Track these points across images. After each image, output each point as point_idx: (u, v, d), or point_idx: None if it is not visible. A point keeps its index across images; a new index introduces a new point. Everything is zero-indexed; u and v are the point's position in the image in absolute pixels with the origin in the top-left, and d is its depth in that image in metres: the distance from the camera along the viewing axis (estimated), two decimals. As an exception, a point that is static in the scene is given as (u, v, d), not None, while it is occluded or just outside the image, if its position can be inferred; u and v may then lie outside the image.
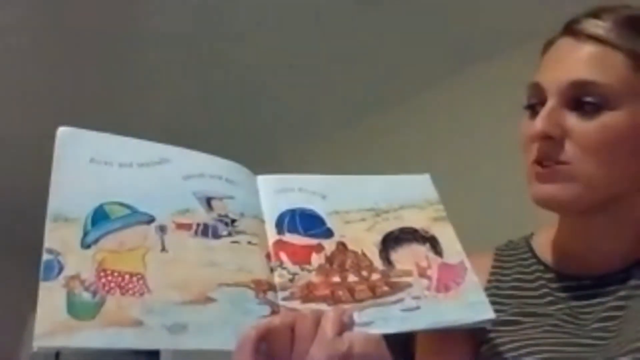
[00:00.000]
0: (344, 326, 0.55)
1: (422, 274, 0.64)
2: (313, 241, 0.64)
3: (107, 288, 0.52)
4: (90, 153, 0.58)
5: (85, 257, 0.52)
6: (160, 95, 2.38)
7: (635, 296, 0.64)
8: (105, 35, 2.10)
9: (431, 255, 0.66)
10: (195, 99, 2.44)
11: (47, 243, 0.52)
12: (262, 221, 0.64)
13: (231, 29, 2.09)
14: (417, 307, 0.61)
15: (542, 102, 0.67)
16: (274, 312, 0.57)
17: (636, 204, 0.67)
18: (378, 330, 0.57)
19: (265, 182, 0.67)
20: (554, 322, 0.66)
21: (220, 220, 0.60)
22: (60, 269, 0.51)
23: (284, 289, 0.59)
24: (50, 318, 0.49)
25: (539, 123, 0.65)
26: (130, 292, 0.52)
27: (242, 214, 0.62)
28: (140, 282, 0.53)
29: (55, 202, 0.54)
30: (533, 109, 0.68)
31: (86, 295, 0.51)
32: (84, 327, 0.49)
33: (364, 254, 0.64)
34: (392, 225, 0.68)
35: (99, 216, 0.55)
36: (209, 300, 0.55)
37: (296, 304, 0.58)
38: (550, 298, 0.69)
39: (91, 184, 0.56)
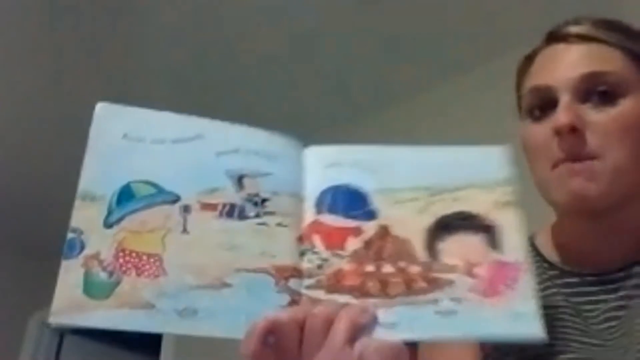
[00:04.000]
0: (359, 330, 0.50)
1: (469, 271, 0.56)
2: (351, 223, 0.59)
3: (124, 268, 0.53)
4: (124, 129, 0.58)
5: (106, 236, 0.54)
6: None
7: (636, 296, 0.66)
8: (107, 33, 2.10)
9: (485, 248, 0.57)
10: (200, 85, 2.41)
11: (73, 221, 0.54)
12: (301, 199, 0.60)
13: (232, 26, 2.06)
14: (454, 312, 0.54)
15: (548, 104, 0.68)
16: (294, 301, 0.54)
17: None
18: (401, 335, 0.52)
19: (314, 155, 0.62)
20: (558, 316, 0.67)
21: (250, 200, 0.58)
22: (82, 248, 0.53)
23: (310, 276, 0.56)
24: (66, 296, 0.51)
25: (564, 116, 0.65)
26: (146, 273, 0.53)
27: (276, 193, 0.59)
28: (157, 263, 0.54)
29: (85, 180, 0.56)
30: (540, 112, 0.69)
31: (103, 275, 0.52)
32: (97, 306, 0.51)
33: (406, 241, 0.58)
34: (447, 207, 0.59)
35: (125, 195, 0.56)
36: (225, 285, 0.54)
37: (320, 294, 0.55)
38: (557, 297, 0.69)
39: (121, 161, 0.57)
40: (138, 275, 0.53)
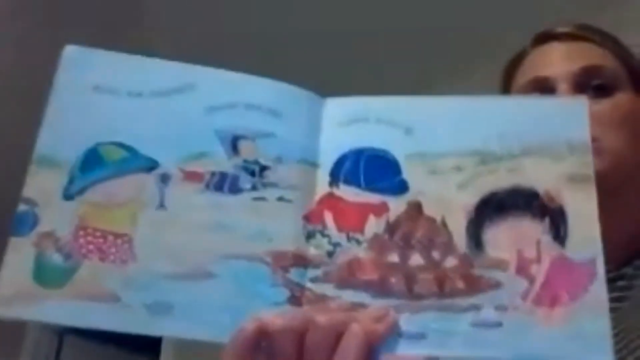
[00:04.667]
0: (374, 344, 0.39)
1: (523, 269, 0.42)
2: (375, 198, 0.46)
3: (84, 250, 0.43)
4: (95, 79, 0.47)
5: (65, 210, 0.44)
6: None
7: (629, 294, 0.65)
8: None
9: (547, 240, 0.43)
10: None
11: (25, 191, 0.44)
12: (315, 166, 0.48)
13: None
14: (498, 324, 0.41)
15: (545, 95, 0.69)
16: (295, 297, 0.43)
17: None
18: (427, 350, 0.40)
19: (333, 108, 0.49)
20: None
21: (245, 169, 0.46)
22: (34, 224, 0.43)
23: (317, 265, 0.44)
24: (13, 282, 0.42)
25: None
26: (112, 257, 0.43)
27: (280, 159, 0.47)
28: (126, 246, 0.43)
29: (44, 141, 0.45)
30: None
31: (57, 258, 0.42)
32: (49, 296, 0.42)
33: (444, 224, 0.45)
34: (501, 180, 0.45)
35: (91, 160, 0.45)
36: (208, 275, 0.43)
37: (328, 289, 0.43)
38: None
39: (90, 118, 0.46)
40: (101, 259, 0.43)
